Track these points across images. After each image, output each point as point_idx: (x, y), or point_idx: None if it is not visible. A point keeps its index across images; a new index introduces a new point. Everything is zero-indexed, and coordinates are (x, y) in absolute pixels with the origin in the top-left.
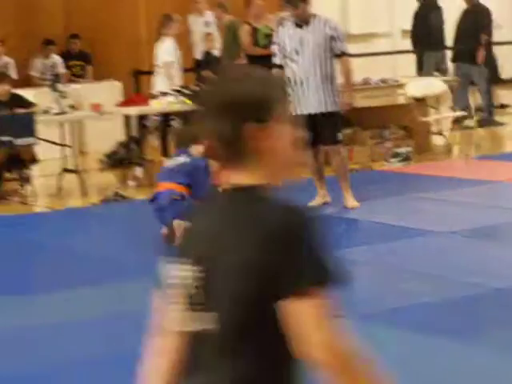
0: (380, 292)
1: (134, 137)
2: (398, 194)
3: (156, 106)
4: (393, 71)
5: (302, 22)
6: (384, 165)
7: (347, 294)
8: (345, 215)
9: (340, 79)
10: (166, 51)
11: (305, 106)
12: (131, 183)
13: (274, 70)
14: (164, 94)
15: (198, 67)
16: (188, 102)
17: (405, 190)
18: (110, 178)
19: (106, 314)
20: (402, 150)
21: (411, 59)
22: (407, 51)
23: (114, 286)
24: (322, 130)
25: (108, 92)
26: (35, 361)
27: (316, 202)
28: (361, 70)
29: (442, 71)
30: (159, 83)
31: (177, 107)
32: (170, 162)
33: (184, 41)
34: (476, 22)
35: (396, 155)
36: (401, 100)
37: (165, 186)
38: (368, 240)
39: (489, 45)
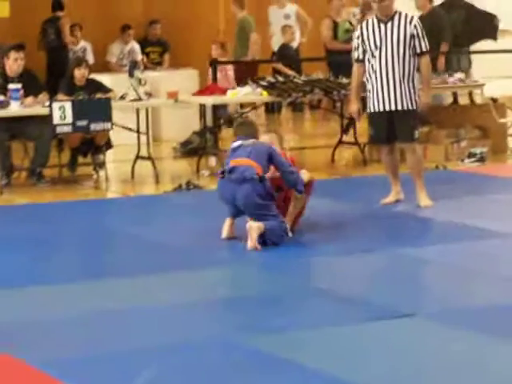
0: (450, 292)
1: (209, 126)
2: (472, 195)
3: (232, 96)
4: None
5: (385, 17)
6: (459, 164)
7: (418, 292)
8: (418, 214)
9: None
10: None
11: (383, 103)
12: (205, 173)
13: (354, 65)
14: (241, 84)
15: (273, 59)
16: (264, 93)
17: (479, 191)
18: (183, 167)
19: (174, 303)
20: (478, 150)
21: (489, 59)
22: (486, 51)
23: (182, 275)
24: (399, 127)
25: (185, 80)
26: (106, 345)
27: (389, 199)
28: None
29: None
30: None
31: (252, 98)
32: (238, 142)
33: (264, 32)
34: (433, 30)
35: (471, 155)
36: (478, 100)
37: (242, 161)
38: (441, 239)
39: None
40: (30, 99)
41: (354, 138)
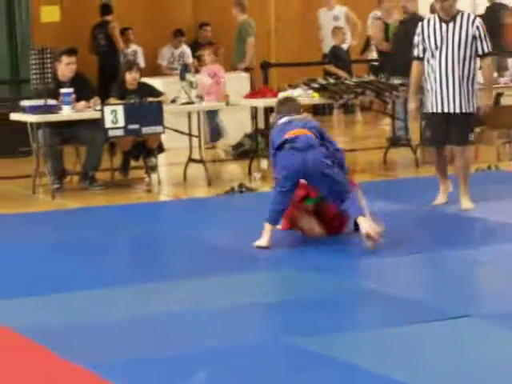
0: (504, 293)
1: (261, 129)
2: None
3: None
4: None
5: (448, 17)
6: (511, 165)
7: (472, 293)
8: (471, 215)
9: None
10: None
11: (441, 104)
12: (256, 175)
13: (414, 63)
14: (293, 86)
15: (325, 61)
16: (315, 95)
17: None
18: (235, 170)
19: (225, 306)
20: None
21: None
22: None
23: (234, 278)
24: (454, 129)
25: (236, 83)
26: (158, 348)
27: (439, 200)
28: None
29: None
30: None
31: (304, 100)
32: (286, 118)
33: (314, 34)
34: (407, 34)
35: None
36: None
37: (300, 131)
38: (494, 240)
39: None
40: (81, 103)
41: (406, 140)
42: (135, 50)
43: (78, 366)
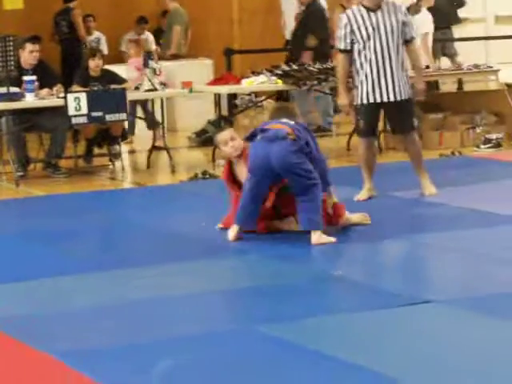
0: (465, 278)
1: (224, 115)
2: (487, 180)
3: (247, 85)
4: (485, 57)
5: (375, 6)
6: (474, 150)
7: (434, 279)
8: (431, 200)
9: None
10: (424, 22)
11: (379, 94)
12: (220, 162)
13: (341, 56)
14: (257, 73)
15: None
16: (279, 81)
17: (495, 177)
18: (198, 156)
19: (191, 293)
20: (493, 136)
21: (504, 45)
22: (500, 37)
23: (199, 265)
24: (399, 118)
25: (200, 70)
26: (128, 335)
27: (362, 195)
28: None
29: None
30: None
31: (267, 87)
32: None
33: (276, 20)
34: (305, 25)
35: (487, 141)
36: (493, 86)
37: (275, 125)
38: (456, 225)
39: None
40: (44, 91)
41: None
42: (98, 37)
43: (45, 355)
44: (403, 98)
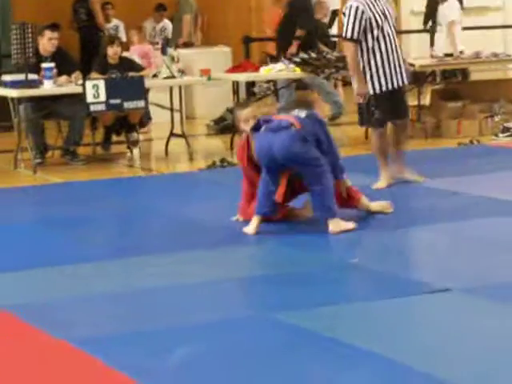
0: (484, 266)
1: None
2: (505, 169)
3: (265, 72)
4: (504, 46)
5: None
6: (493, 139)
7: (453, 267)
8: (450, 189)
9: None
10: (451, 10)
11: (396, 79)
12: None
13: (351, 45)
14: (274, 60)
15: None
16: (297, 69)
17: None
18: (217, 144)
19: (208, 280)
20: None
21: None
22: None
23: (216, 253)
24: (404, 102)
25: (218, 58)
26: (144, 322)
27: (381, 184)
28: (472, 43)
29: None
30: (442, 43)
31: (285, 75)
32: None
33: None
34: (291, 15)
35: (505, 130)
36: None
37: (280, 116)
38: (475, 214)
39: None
40: (63, 78)
41: None
42: (116, 25)
43: (63, 342)
44: (407, 81)
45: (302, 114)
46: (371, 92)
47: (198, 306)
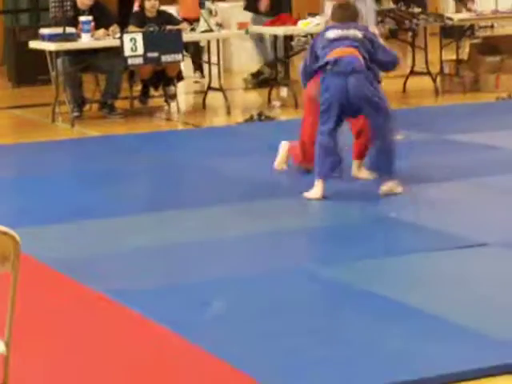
0: None
1: (280, 57)
2: None
3: (303, 26)
4: None
5: None
6: None
7: (491, 221)
8: (488, 143)
9: None
10: None
11: None
12: (276, 103)
13: None
14: (313, 14)
15: None
16: None
17: None
18: (254, 98)
19: (246, 234)
20: None
21: None
22: None
23: (254, 206)
24: None
25: None
26: (182, 275)
27: None
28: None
29: None
30: None
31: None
32: (335, 32)
33: None
34: None
35: None
36: None
37: (343, 51)
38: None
39: None
40: (100, 31)
41: (425, 68)
42: None
43: (102, 294)
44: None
45: (359, 33)
46: None
47: (234, 259)
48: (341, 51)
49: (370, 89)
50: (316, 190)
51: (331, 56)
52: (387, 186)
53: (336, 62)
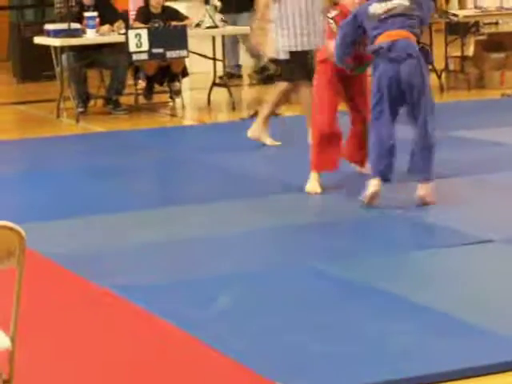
0: None
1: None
2: None
3: None
4: None
5: None
6: None
7: (497, 218)
8: (493, 140)
9: None
10: None
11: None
12: None
13: None
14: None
15: None
16: None
17: None
18: (259, 94)
19: (250, 230)
20: None
21: None
22: None
23: (258, 202)
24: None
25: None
26: (188, 271)
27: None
28: None
29: None
30: None
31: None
32: (380, 6)
33: None
34: None
35: None
36: None
37: (399, 34)
38: None
39: None
40: (105, 27)
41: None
42: None
43: (107, 290)
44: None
45: (406, 1)
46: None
47: (239, 254)
48: (395, 34)
49: (422, 77)
50: (370, 190)
51: (384, 39)
52: (424, 190)
53: (390, 48)
